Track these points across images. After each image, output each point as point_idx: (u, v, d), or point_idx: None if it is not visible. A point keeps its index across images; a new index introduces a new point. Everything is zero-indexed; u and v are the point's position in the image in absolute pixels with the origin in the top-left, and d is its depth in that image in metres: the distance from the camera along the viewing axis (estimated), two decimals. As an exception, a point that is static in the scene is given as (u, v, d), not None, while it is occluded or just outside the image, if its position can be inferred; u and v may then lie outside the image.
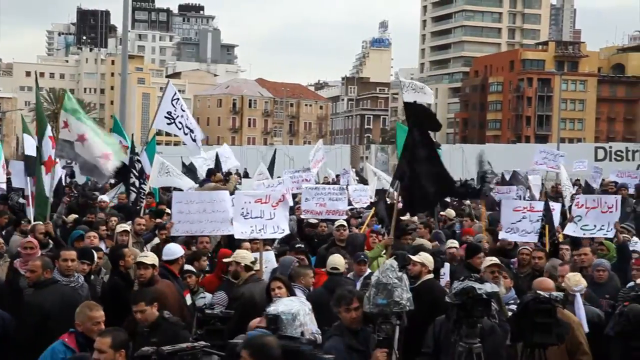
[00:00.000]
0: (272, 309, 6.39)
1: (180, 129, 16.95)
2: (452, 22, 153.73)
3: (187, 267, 10.44)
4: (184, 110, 16.96)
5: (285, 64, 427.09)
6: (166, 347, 5.41)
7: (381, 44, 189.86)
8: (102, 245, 12.56)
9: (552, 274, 9.69)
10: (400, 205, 11.45)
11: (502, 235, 12.74)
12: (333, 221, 14.32)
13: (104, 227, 13.71)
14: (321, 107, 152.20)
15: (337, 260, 9.90)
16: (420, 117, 13.09)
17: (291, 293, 8.37)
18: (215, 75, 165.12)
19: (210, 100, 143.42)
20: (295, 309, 6.23)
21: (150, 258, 9.22)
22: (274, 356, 5.15)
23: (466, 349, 7.12)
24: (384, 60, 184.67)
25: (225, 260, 10.13)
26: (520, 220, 12.54)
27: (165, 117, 16.77)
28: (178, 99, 17.13)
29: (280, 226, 11.25)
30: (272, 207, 11.21)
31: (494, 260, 9.74)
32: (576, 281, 8.67)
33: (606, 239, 12.55)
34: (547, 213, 12.74)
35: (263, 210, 11.16)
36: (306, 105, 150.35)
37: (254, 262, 9.45)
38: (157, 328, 7.53)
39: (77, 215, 16.42)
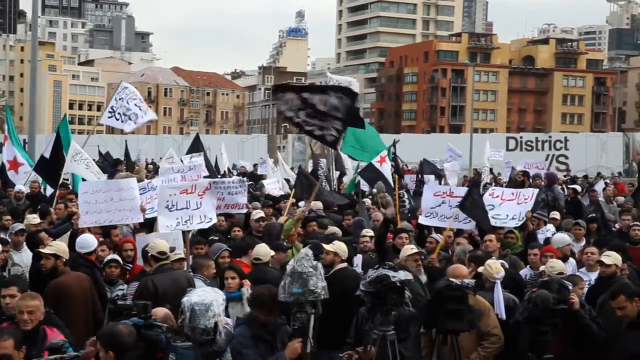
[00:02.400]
0: (185, 299, 6.33)
1: (118, 119, 17.03)
2: (367, 12, 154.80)
3: (114, 256, 10.24)
4: (121, 99, 16.98)
5: (202, 53, 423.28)
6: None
7: (298, 34, 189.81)
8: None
9: (462, 259, 9.87)
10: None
11: (421, 219, 12.85)
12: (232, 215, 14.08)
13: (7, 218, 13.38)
14: (238, 97, 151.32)
15: (260, 250, 9.83)
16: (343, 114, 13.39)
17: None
18: (130, 63, 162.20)
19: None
20: (208, 299, 6.19)
21: (51, 248, 9.03)
22: (125, 344, 5.17)
23: (380, 337, 7.20)
24: (301, 50, 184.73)
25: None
26: (439, 205, 12.54)
27: (109, 112, 16.83)
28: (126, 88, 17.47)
29: (207, 215, 11.08)
30: (199, 196, 11.03)
31: (415, 249, 9.90)
32: (497, 268, 8.84)
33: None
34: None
35: (189, 200, 10.96)
36: (223, 94, 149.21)
37: (162, 253, 9.25)
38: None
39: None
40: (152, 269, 9.16)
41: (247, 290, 8.39)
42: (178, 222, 10.87)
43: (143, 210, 12.09)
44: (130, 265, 10.53)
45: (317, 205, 15.96)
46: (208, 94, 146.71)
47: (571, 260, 11.46)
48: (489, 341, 8.05)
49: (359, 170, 20.76)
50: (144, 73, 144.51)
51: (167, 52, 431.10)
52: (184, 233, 10.93)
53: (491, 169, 28.70)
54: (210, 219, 11.22)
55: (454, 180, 22.84)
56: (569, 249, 11.57)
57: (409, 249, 9.86)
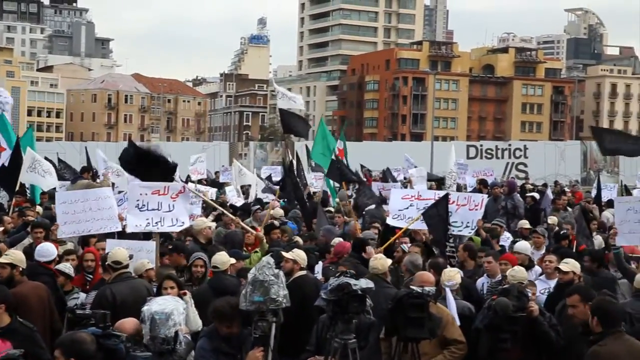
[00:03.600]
0: (146, 308, 6.28)
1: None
2: (329, 20, 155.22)
3: (63, 265, 10.11)
4: None
5: (163, 60, 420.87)
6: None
7: (260, 41, 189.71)
8: None
9: (409, 270, 9.88)
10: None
11: (389, 220, 12.94)
12: None
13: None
14: (199, 104, 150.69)
15: (219, 258, 9.76)
16: (291, 124, 13.44)
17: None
18: (90, 69, 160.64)
19: (85, 95, 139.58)
20: (169, 308, 6.13)
21: (7, 257, 8.91)
22: (86, 352, 5.11)
23: (341, 345, 7.20)
24: (263, 57, 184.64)
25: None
26: (407, 208, 12.68)
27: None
28: None
29: (179, 219, 10.93)
30: (172, 198, 10.85)
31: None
32: (450, 276, 8.88)
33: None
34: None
35: (161, 202, 10.79)
36: (184, 101, 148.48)
37: (117, 262, 9.10)
38: (12, 332, 7.23)
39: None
40: (111, 278, 9.07)
41: (189, 299, 8.30)
42: (148, 223, 10.75)
43: (121, 219, 12.00)
44: (91, 276, 10.39)
45: (279, 212, 15.96)
46: (169, 101, 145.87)
47: (536, 268, 11.56)
48: (457, 347, 8.07)
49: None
50: (104, 79, 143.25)
51: (127, 58, 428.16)
52: (157, 235, 10.85)
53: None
54: (183, 222, 11.07)
55: (422, 186, 22.95)
56: (526, 257, 11.64)
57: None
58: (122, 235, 11.73)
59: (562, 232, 14.24)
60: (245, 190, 22.13)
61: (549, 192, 24.18)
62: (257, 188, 21.64)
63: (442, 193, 13.29)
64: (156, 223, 10.72)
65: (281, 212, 16.21)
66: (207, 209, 16.84)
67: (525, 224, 15.42)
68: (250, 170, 26.47)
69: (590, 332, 6.93)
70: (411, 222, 12.46)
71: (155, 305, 6.17)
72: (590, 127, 32.01)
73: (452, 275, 8.87)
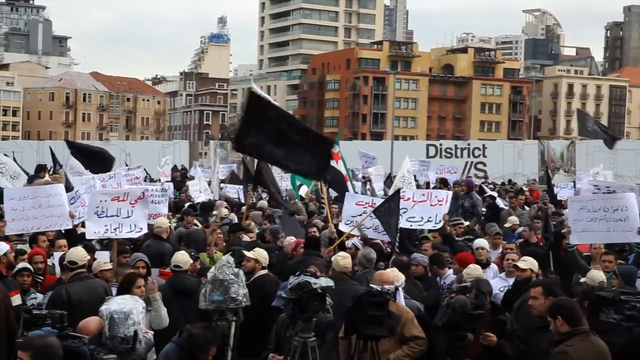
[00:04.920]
0: (104, 307, 6.23)
1: None
2: (290, 19, 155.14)
3: (25, 264, 9.97)
4: None
5: (122, 58, 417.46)
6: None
7: (220, 40, 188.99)
8: None
9: (363, 264, 9.93)
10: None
11: (341, 227, 12.93)
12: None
13: None
14: (159, 102, 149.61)
15: (180, 258, 9.70)
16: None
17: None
18: (47, 67, 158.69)
19: (42, 94, 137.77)
20: (128, 307, 6.09)
21: None
22: (57, 357, 5.03)
23: (301, 343, 7.22)
24: (223, 56, 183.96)
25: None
26: (360, 215, 12.61)
27: None
28: None
29: (138, 225, 10.98)
30: (131, 204, 10.93)
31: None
32: (395, 276, 8.93)
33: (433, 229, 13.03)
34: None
35: (120, 208, 10.85)
36: (144, 100, 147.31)
37: (73, 262, 9.01)
38: None
39: None
40: (68, 278, 8.99)
41: (158, 297, 8.26)
42: (107, 229, 10.76)
43: (72, 216, 11.88)
44: (42, 277, 10.25)
45: (223, 212, 15.89)
46: (128, 99, 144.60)
47: (493, 265, 11.65)
48: (416, 342, 8.12)
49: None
50: (62, 78, 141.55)
51: (86, 57, 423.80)
52: (113, 241, 10.76)
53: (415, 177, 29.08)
54: (141, 228, 11.11)
55: (379, 184, 22.99)
56: (485, 254, 11.73)
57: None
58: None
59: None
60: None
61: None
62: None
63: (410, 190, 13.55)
64: (115, 229, 10.74)
65: (226, 211, 16.16)
66: (177, 208, 16.85)
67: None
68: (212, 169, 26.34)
69: (547, 327, 7.02)
70: (357, 224, 12.45)
71: (114, 305, 6.12)
72: (577, 109, 32.59)
73: (397, 275, 8.90)
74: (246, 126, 11.45)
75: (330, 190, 16.53)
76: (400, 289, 8.76)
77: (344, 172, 16.93)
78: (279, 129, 11.29)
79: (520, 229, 15.50)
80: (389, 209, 11.93)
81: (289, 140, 11.34)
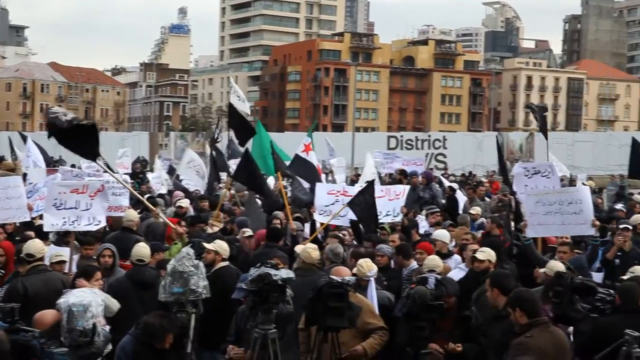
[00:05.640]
0: (62, 300, 6.17)
1: None
2: (251, 10, 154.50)
3: None
4: None
5: (81, 48, 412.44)
6: None
7: (180, 30, 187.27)
8: None
9: (330, 258, 9.97)
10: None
11: (316, 216, 13.02)
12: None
13: None
14: (119, 93, 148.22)
15: (143, 251, 9.56)
16: (237, 122, 13.46)
17: None
18: (4, 57, 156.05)
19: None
20: (87, 300, 6.04)
21: None
22: (3, 351, 4.97)
23: (261, 335, 7.23)
24: (184, 47, 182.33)
25: None
26: (333, 204, 12.84)
27: None
28: None
29: (96, 217, 10.87)
30: (90, 197, 10.82)
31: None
32: (369, 266, 8.98)
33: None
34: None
35: (79, 200, 10.73)
36: (103, 91, 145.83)
37: (30, 255, 8.87)
38: None
39: None
40: (25, 271, 8.89)
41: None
42: (65, 222, 10.65)
43: (30, 208, 11.73)
44: (3, 271, 10.12)
45: (185, 202, 15.82)
46: (87, 90, 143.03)
47: (455, 256, 11.75)
48: (379, 334, 8.18)
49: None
50: (19, 68, 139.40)
51: (44, 46, 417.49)
52: (70, 234, 10.65)
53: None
54: (99, 221, 11.00)
55: (341, 176, 23.06)
56: (441, 245, 11.81)
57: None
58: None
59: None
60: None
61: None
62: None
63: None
64: (73, 222, 10.64)
65: (187, 201, 16.11)
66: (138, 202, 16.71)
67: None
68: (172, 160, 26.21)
69: (500, 317, 7.10)
70: (333, 215, 12.57)
71: (72, 298, 6.07)
72: (529, 106, 32.78)
73: (371, 266, 8.96)
74: None
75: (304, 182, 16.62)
76: (372, 279, 8.82)
77: (315, 163, 16.96)
78: None
79: (481, 219, 15.66)
80: (364, 202, 12.04)
81: None
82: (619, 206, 19.32)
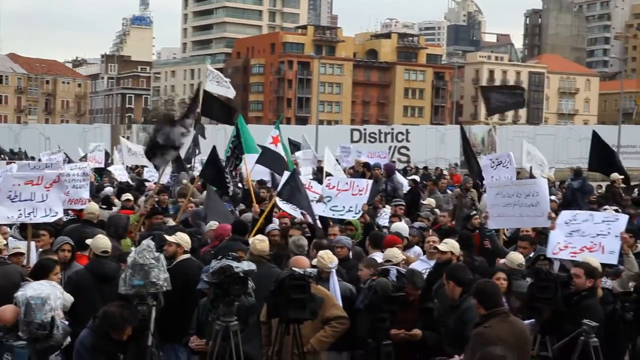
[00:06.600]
0: (20, 293, 6.11)
1: None
2: (213, 2, 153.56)
3: None
4: None
5: (41, 40, 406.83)
6: None
7: (142, 22, 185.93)
8: None
9: (293, 251, 9.98)
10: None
11: (279, 203, 13.04)
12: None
13: None
14: (80, 85, 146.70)
15: (107, 243, 9.35)
16: (213, 108, 13.31)
17: None
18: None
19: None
20: (45, 293, 5.99)
21: None
22: None
23: (223, 327, 7.21)
24: (146, 39, 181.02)
25: None
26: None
27: None
28: None
29: (53, 209, 10.76)
30: (45, 188, 10.69)
31: None
32: (330, 258, 8.99)
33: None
34: None
35: (34, 192, 10.61)
36: (63, 82, 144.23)
37: None
38: None
39: None
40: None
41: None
42: (20, 214, 10.53)
43: None
44: None
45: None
46: (47, 82, 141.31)
47: (416, 248, 11.81)
48: (338, 322, 8.19)
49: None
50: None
51: (2, 37, 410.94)
52: (27, 226, 10.53)
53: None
54: (56, 212, 10.90)
55: (307, 169, 23.01)
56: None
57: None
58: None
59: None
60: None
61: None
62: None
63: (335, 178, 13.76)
64: (29, 214, 10.53)
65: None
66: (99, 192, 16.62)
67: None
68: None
69: (455, 307, 7.19)
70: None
71: (31, 290, 6.02)
72: (480, 87, 32.53)
73: (332, 257, 8.97)
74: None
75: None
76: (333, 271, 8.83)
77: (283, 154, 16.97)
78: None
79: (437, 212, 15.75)
80: (291, 191, 12.09)
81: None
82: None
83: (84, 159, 31.48)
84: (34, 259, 9.91)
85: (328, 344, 8.27)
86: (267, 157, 15.81)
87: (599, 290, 8.66)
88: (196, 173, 20.43)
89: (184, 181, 17.95)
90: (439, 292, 8.50)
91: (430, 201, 16.70)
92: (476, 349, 6.41)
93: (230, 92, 16.17)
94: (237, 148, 15.44)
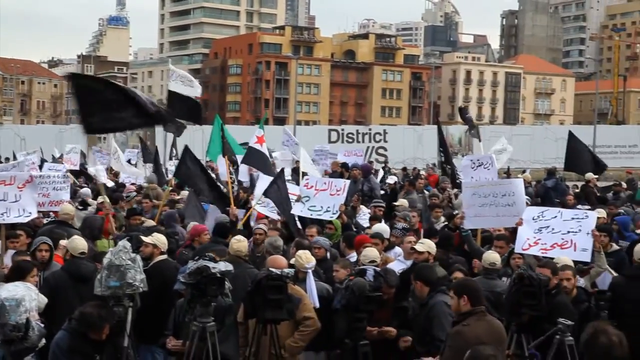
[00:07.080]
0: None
1: None
2: (191, 2, 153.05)
3: None
4: None
5: (16, 40, 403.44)
6: None
7: (119, 22, 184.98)
8: None
9: (269, 251, 9.98)
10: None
11: (255, 205, 13.07)
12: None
13: None
14: (56, 86, 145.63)
15: (83, 243, 9.28)
16: (182, 108, 13.26)
17: None
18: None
19: None
20: (19, 294, 5.95)
21: None
22: None
23: (200, 328, 7.20)
24: (122, 39, 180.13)
25: None
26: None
27: None
28: None
29: (27, 209, 10.74)
30: (18, 188, 10.69)
31: None
32: (307, 258, 9.00)
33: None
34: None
35: (7, 192, 10.59)
36: (39, 83, 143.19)
37: None
38: None
39: None
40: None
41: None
42: None
43: None
44: None
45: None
46: (23, 82, 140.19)
47: (397, 249, 11.82)
48: (305, 325, 8.19)
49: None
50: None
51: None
52: (0, 226, 10.45)
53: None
54: (30, 213, 10.87)
55: (287, 170, 22.95)
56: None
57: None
58: None
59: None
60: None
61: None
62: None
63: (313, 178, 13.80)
64: (2, 214, 10.51)
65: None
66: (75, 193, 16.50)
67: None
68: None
69: (423, 305, 7.35)
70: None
71: (5, 292, 5.98)
72: (459, 108, 33.12)
73: (309, 258, 8.98)
74: (83, 107, 10.95)
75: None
76: (310, 271, 8.83)
77: (267, 154, 16.95)
78: (115, 94, 10.54)
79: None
80: (278, 190, 12.15)
81: (129, 99, 10.52)
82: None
83: (59, 159, 31.33)
84: (7, 260, 9.84)
85: (301, 349, 8.28)
86: (252, 157, 15.82)
87: (573, 290, 8.74)
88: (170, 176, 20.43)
89: (151, 184, 17.88)
90: (415, 291, 8.54)
91: (402, 202, 16.67)
92: (454, 347, 6.44)
93: (196, 92, 16.03)
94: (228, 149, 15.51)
